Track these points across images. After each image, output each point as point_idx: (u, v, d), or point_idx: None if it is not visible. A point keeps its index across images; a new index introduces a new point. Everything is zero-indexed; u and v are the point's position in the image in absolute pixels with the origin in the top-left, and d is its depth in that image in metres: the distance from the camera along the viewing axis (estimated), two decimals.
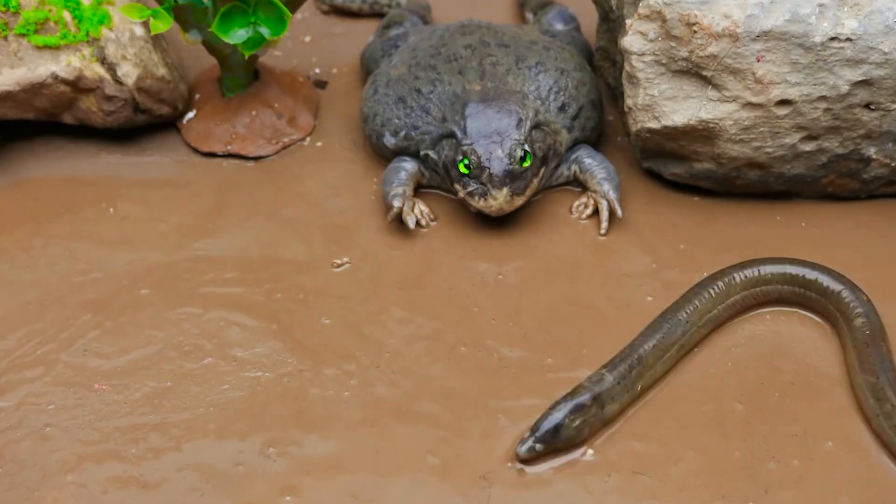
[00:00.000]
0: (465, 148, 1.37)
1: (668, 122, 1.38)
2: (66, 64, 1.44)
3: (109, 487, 1.16)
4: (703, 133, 1.38)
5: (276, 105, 1.55)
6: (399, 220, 1.42)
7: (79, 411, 1.23)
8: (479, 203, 1.37)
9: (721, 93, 1.35)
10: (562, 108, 1.45)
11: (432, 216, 1.43)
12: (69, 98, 1.47)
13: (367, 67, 1.61)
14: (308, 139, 1.56)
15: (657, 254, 1.39)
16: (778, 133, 1.37)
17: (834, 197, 1.46)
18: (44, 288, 1.35)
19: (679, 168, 1.44)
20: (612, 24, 1.51)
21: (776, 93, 1.34)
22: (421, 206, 1.43)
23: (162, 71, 1.50)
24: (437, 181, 1.46)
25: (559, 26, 1.63)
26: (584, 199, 1.44)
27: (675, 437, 1.21)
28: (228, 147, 1.53)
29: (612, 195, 1.41)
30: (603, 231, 1.41)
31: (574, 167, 1.45)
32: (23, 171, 1.50)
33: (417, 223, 1.42)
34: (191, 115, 1.55)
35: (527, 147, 1.37)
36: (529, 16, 1.70)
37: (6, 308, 1.33)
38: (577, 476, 1.17)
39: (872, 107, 1.36)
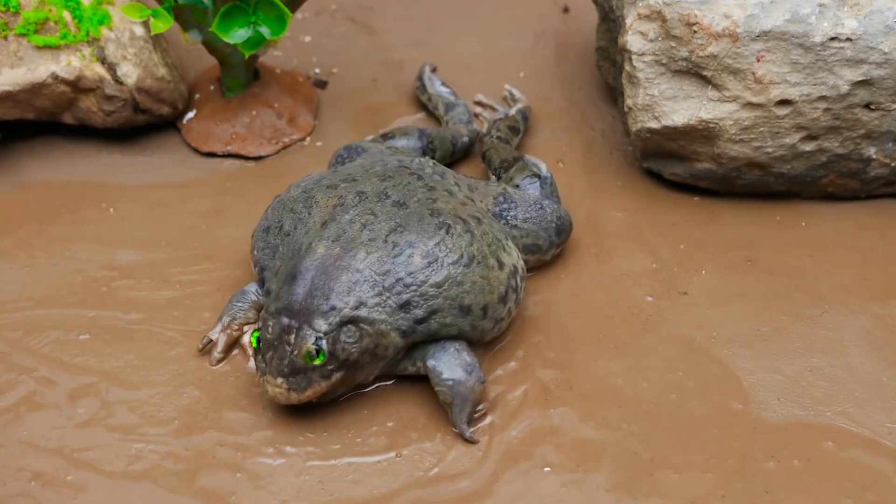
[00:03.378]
0: (263, 314, 1.17)
1: (668, 122, 1.38)
2: (66, 64, 1.45)
3: (109, 487, 1.16)
4: (703, 133, 1.38)
5: (276, 105, 1.55)
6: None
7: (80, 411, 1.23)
8: (258, 379, 1.16)
9: (721, 93, 1.35)
10: (403, 307, 1.17)
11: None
12: (69, 98, 1.47)
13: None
14: (308, 139, 1.56)
15: (657, 254, 1.39)
16: (778, 133, 1.37)
17: (834, 197, 1.46)
18: (44, 288, 1.35)
19: (679, 168, 1.44)
20: (612, 23, 1.51)
21: (776, 93, 1.34)
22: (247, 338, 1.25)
23: (162, 71, 1.50)
24: None
25: (532, 191, 1.36)
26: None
27: None
28: (228, 147, 1.53)
29: (460, 426, 1.18)
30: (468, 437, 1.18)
31: (419, 364, 1.20)
32: (23, 172, 1.50)
33: (221, 361, 1.24)
34: (191, 114, 1.55)
35: (323, 344, 1.13)
36: (493, 178, 1.41)
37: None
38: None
39: (872, 107, 1.36)
